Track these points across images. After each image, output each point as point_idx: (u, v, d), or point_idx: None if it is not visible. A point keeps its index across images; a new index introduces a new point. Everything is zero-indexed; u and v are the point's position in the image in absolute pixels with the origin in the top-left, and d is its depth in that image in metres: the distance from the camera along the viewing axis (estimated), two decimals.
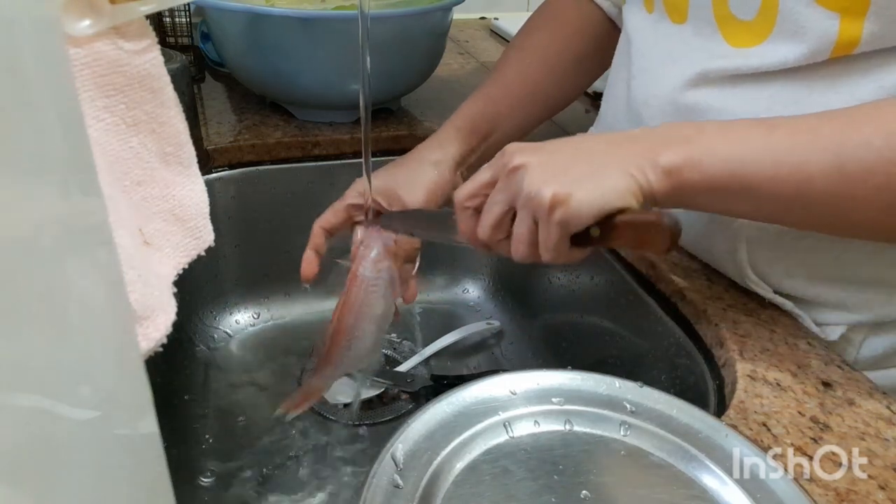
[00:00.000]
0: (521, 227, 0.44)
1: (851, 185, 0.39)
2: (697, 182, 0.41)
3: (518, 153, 0.44)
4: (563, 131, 0.84)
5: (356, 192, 0.57)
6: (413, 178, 0.58)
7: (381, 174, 0.58)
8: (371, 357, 0.52)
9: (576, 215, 0.41)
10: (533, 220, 0.43)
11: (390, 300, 0.52)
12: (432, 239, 0.55)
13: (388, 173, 0.58)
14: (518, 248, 0.45)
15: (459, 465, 0.33)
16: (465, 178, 0.63)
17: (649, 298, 0.58)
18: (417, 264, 0.56)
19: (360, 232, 0.54)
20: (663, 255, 0.57)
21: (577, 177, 0.42)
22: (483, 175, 0.46)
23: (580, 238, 0.43)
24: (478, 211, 0.47)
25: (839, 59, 0.43)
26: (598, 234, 0.42)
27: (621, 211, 0.41)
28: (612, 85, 0.63)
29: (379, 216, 0.54)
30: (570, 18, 0.68)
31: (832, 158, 0.39)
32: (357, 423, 0.66)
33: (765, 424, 0.41)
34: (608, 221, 0.42)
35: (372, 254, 0.51)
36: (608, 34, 0.66)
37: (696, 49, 0.50)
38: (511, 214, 0.45)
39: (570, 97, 0.72)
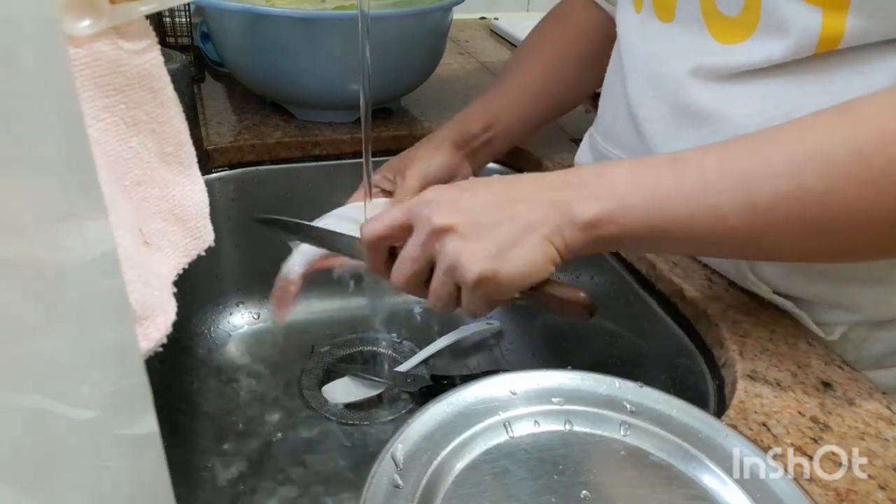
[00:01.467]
0: (443, 289, 0.44)
1: (765, 218, 0.39)
2: (614, 235, 0.42)
3: (439, 209, 0.43)
4: (563, 131, 0.84)
5: (381, 176, 0.61)
6: (416, 152, 0.62)
7: (394, 159, 0.63)
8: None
9: (502, 291, 0.42)
10: (455, 286, 0.43)
11: None
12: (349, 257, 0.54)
13: (403, 153, 0.63)
14: (437, 303, 0.45)
15: (459, 465, 0.33)
16: (472, 165, 0.66)
17: (649, 298, 0.58)
18: None
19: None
20: (579, 323, 0.57)
21: (501, 247, 0.41)
22: (396, 215, 0.45)
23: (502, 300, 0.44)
24: (390, 251, 0.47)
25: (827, 56, 0.43)
26: (522, 299, 0.44)
27: (546, 281, 0.43)
28: (609, 85, 0.64)
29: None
30: (577, 21, 0.70)
31: (742, 196, 0.39)
32: (357, 423, 0.66)
33: (765, 424, 0.41)
34: (532, 290, 0.43)
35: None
36: (614, 37, 0.67)
37: (684, 47, 0.51)
38: (429, 268, 0.44)
39: (577, 97, 0.73)
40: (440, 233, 0.42)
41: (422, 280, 0.45)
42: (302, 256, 0.56)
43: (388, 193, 0.61)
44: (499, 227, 0.42)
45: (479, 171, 0.68)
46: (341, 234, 0.52)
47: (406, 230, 0.44)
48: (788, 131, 0.40)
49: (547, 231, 0.42)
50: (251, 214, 0.76)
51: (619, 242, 0.43)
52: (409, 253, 0.44)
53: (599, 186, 0.42)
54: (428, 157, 0.62)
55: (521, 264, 0.41)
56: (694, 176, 0.40)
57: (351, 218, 0.57)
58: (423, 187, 0.55)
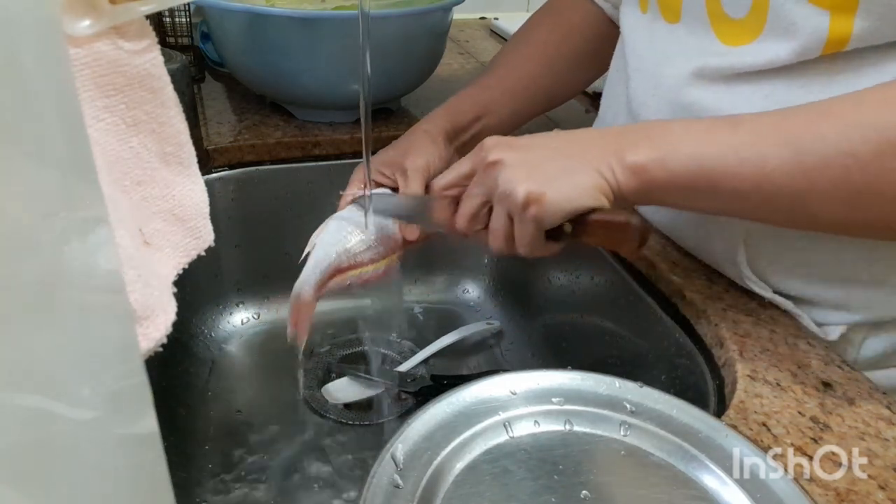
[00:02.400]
0: (497, 222, 0.46)
1: (810, 179, 0.40)
2: (663, 180, 0.43)
3: (495, 148, 0.46)
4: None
5: (358, 181, 0.59)
6: (411, 145, 0.61)
7: (384, 150, 0.61)
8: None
9: (549, 213, 0.43)
10: (508, 216, 0.45)
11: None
12: (411, 222, 0.58)
13: (390, 147, 0.62)
14: (494, 242, 0.47)
15: (459, 465, 0.33)
16: (461, 157, 0.64)
17: (649, 298, 0.58)
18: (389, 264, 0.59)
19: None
20: (634, 256, 0.59)
21: (550, 175, 0.43)
22: (462, 166, 0.49)
23: (554, 233, 0.45)
24: (455, 200, 0.49)
25: (833, 57, 0.43)
26: (571, 230, 0.44)
27: (594, 210, 0.43)
28: (611, 85, 0.64)
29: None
30: (570, 17, 0.69)
31: (791, 154, 0.40)
32: (357, 423, 0.66)
33: (765, 424, 0.41)
34: (581, 219, 0.44)
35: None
36: (608, 34, 0.67)
37: (690, 48, 0.50)
38: (488, 207, 0.47)
39: (568, 93, 0.73)
40: (494, 165, 0.45)
41: (483, 219, 0.48)
42: (313, 272, 0.56)
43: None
44: (550, 160, 0.44)
45: None
46: (413, 196, 0.55)
47: (471, 178, 0.48)
48: (844, 101, 0.40)
49: (597, 165, 0.43)
50: (251, 214, 0.77)
51: (667, 190, 0.43)
52: (470, 191, 0.47)
53: (653, 133, 0.44)
54: (426, 151, 0.61)
55: (569, 188, 0.43)
56: (746, 132, 0.41)
57: (353, 221, 0.57)
58: (426, 183, 0.56)
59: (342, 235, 0.55)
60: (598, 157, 0.43)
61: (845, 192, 0.39)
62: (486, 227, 0.47)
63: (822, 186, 0.39)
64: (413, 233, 0.58)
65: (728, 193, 0.42)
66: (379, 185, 0.60)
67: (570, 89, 0.72)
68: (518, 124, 0.70)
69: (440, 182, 0.49)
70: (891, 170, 0.38)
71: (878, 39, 0.42)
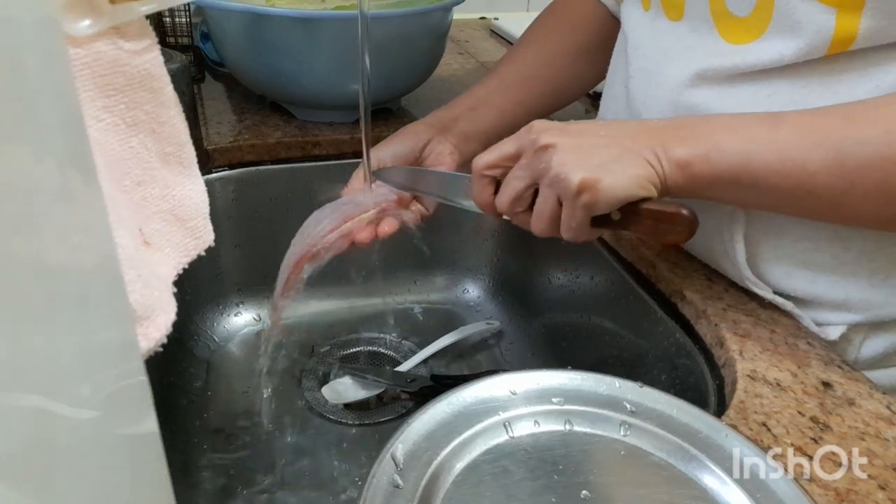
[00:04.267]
0: (545, 206, 0.46)
1: (850, 180, 0.40)
2: (707, 175, 0.43)
3: (546, 132, 0.46)
4: None
5: (358, 181, 0.60)
6: (397, 144, 0.61)
7: (378, 147, 0.61)
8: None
9: (602, 200, 0.43)
10: (557, 200, 0.45)
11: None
12: (434, 198, 0.58)
13: (383, 143, 0.61)
14: (539, 224, 0.47)
15: (459, 465, 0.33)
16: (454, 141, 0.64)
17: (649, 298, 0.58)
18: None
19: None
20: (681, 244, 0.59)
21: (603, 162, 0.44)
22: (506, 147, 0.48)
23: (601, 219, 0.45)
24: (495, 180, 0.49)
25: (837, 57, 0.43)
26: (619, 218, 0.45)
27: (644, 199, 0.44)
28: (611, 85, 0.63)
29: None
30: (572, 14, 0.69)
31: (833, 155, 0.40)
32: (357, 423, 0.66)
33: (765, 424, 0.41)
34: (631, 208, 0.44)
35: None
36: (613, 30, 0.67)
37: (692, 47, 0.50)
38: (532, 190, 0.47)
39: (576, 89, 0.73)
40: (545, 149, 0.45)
41: (526, 201, 0.48)
42: (280, 273, 0.58)
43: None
44: (603, 147, 0.45)
45: (476, 151, 0.63)
46: (448, 174, 0.56)
47: (515, 160, 0.47)
48: (887, 102, 0.41)
49: (647, 155, 0.44)
50: (251, 214, 0.77)
51: (710, 186, 0.44)
52: (516, 172, 0.47)
53: (699, 128, 0.44)
54: (384, 147, 0.61)
55: (623, 177, 0.43)
56: (789, 131, 0.42)
57: (326, 210, 0.57)
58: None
59: (305, 229, 0.57)
60: (647, 148, 0.44)
61: (886, 194, 0.40)
62: (528, 208, 0.48)
63: (863, 188, 0.40)
64: (429, 207, 0.60)
65: (769, 190, 0.43)
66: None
67: (577, 85, 0.72)
68: (530, 113, 0.68)
69: (481, 161, 0.49)
70: None
71: (883, 39, 0.41)
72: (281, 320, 0.59)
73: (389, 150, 0.60)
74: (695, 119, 0.46)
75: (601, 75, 0.72)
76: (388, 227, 0.57)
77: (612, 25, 0.67)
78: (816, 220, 0.47)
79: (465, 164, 0.63)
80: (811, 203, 0.43)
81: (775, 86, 0.46)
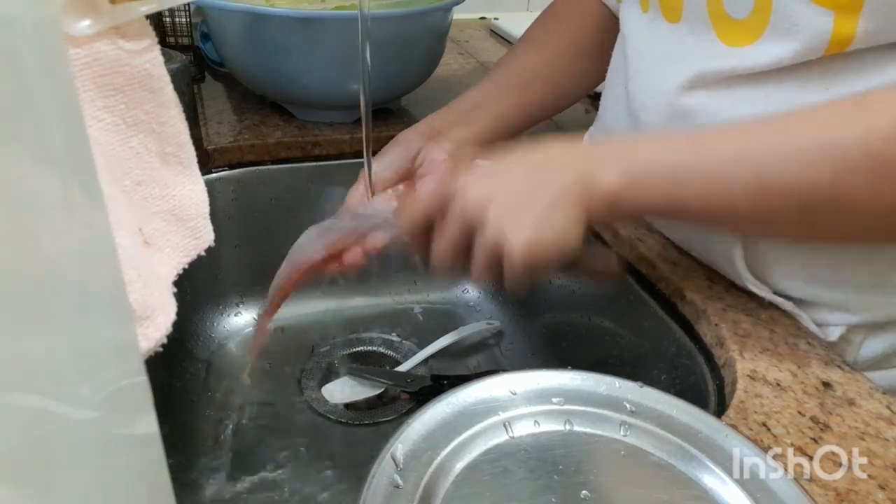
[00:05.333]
0: (483, 260, 0.45)
1: (773, 202, 0.41)
2: (633, 208, 0.44)
3: (474, 185, 0.44)
4: (563, 131, 0.84)
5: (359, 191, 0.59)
6: (388, 157, 0.60)
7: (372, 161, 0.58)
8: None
9: (542, 258, 0.43)
10: (497, 257, 0.44)
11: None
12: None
13: (376, 159, 0.60)
14: (479, 275, 0.46)
15: (459, 465, 0.33)
16: (451, 145, 0.61)
17: (649, 298, 0.58)
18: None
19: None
20: (613, 284, 0.59)
21: (540, 213, 0.43)
22: (429, 203, 0.46)
23: (539, 269, 0.45)
24: (427, 228, 0.47)
25: (833, 59, 0.43)
26: (557, 269, 0.46)
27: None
28: (610, 86, 0.63)
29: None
30: (572, 13, 0.69)
31: (754, 181, 0.41)
32: (357, 423, 0.66)
33: (765, 424, 0.41)
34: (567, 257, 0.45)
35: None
36: (615, 30, 0.66)
37: (690, 49, 0.50)
38: (469, 242, 0.45)
39: (577, 89, 0.71)
40: (480, 207, 0.44)
41: (462, 255, 0.46)
42: (268, 297, 0.56)
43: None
44: (535, 193, 0.43)
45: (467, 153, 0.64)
46: (384, 220, 0.54)
47: (442, 210, 0.46)
48: (805, 120, 0.41)
49: (576, 199, 0.43)
50: (251, 214, 0.77)
51: (638, 215, 0.46)
52: (451, 229, 0.45)
53: (623, 160, 0.43)
54: (384, 156, 0.60)
55: (558, 232, 0.43)
56: (711, 159, 0.42)
57: (309, 235, 0.55)
58: (374, 190, 0.56)
59: (296, 251, 0.55)
60: (575, 190, 0.43)
61: (809, 215, 0.41)
62: (466, 259, 0.46)
63: (787, 208, 0.41)
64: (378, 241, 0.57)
65: (698, 215, 0.45)
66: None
67: (578, 85, 0.71)
68: (529, 116, 0.68)
69: (408, 221, 0.47)
70: (853, 193, 0.39)
71: (880, 40, 0.41)
72: (262, 344, 0.57)
73: (382, 165, 0.59)
74: (618, 147, 0.45)
75: (601, 76, 0.71)
76: (379, 241, 0.55)
77: (613, 25, 0.66)
78: (747, 234, 0.48)
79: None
80: (738, 224, 0.45)
81: (771, 87, 0.46)
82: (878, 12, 0.40)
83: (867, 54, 0.42)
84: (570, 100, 0.72)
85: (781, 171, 0.40)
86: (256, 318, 0.78)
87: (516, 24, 1.24)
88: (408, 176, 0.60)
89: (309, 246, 0.54)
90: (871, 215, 0.40)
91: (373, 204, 0.56)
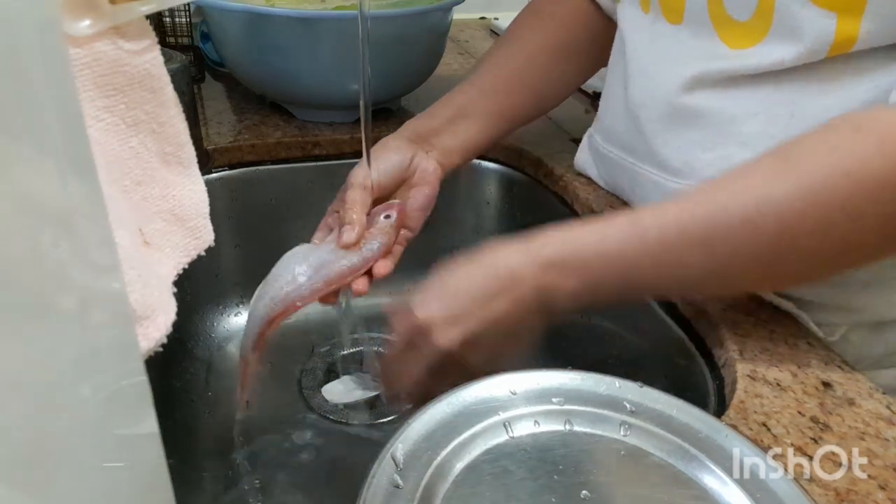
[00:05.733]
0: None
1: (723, 264, 0.43)
2: (594, 302, 0.46)
3: (434, 327, 0.44)
4: (563, 131, 0.84)
5: (341, 196, 0.57)
6: (360, 165, 0.57)
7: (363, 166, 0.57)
8: None
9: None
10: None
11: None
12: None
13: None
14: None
15: (459, 465, 0.33)
16: (441, 159, 0.61)
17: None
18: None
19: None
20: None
21: (504, 351, 0.46)
22: (403, 342, 0.47)
23: None
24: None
25: (833, 61, 0.43)
26: None
27: None
28: (610, 85, 0.63)
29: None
30: (554, 11, 0.67)
31: (702, 250, 0.42)
32: (357, 423, 0.66)
33: (765, 424, 0.41)
34: None
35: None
36: (602, 28, 0.65)
37: (692, 50, 0.50)
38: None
39: (561, 89, 0.69)
40: (443, 352, 0.44)
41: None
42: (248, 329, 0.54)
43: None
44: (498, 326, 0.44)
45: (456, 164, 0.63)
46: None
47: (413, 346, 0.46)
48: (736, 182, 0.42)
49: (535, 310, 0.45)
50: (251, 214, 0.77)
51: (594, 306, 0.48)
52: (417, 368, 0.46)
53: (575, 267, 0.44)
54: (372, 162, 0.57)
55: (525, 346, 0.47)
56: (656, 241, 0.43)
57: (291, 261, 0.53)
58: (371, 196, 0.55)
59: (273, 282, 0.53)
60: (535, 304, 0.44)
61: (758, 267, 0.43)
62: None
63: (737, 266, 0.43)
64: (415, 227, 0.59)
65: (651, 292, 0.51)
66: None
67: (561, 85, 0.69)
68: (511, 122, 0.66)
69: (391, 368, 0.49)
70: (794, 240, 0.40)
71: (882, 41, 0.41)
72: (251, 376, 0.55)
73: (376, 170, 0.57)
74: (570, 252, 0.44)
75: (584, 76, 0.70)
76: (383, 269, 0.55)
77: (599, 24, 0.65)
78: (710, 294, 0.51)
79: (446, 178, 0.62)
80: (693, 289, 0.49)
81: (771, 88, 0.46)
82: (881, 13, 0.40)
83: (869, 56, 0.42)
84: (550, 103, 0.70)
85: (728, 234, 0.41)
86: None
87: None
88: (401, 183, 0.59)
89: (291, 277, 0.52)
90: (820, 254, 0.41)
91: (366, 235, 0.54)
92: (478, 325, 0.44)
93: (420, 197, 0.59)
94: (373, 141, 0.57)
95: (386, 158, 0.58)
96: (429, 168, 0.60)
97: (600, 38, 0.65)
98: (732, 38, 0.47)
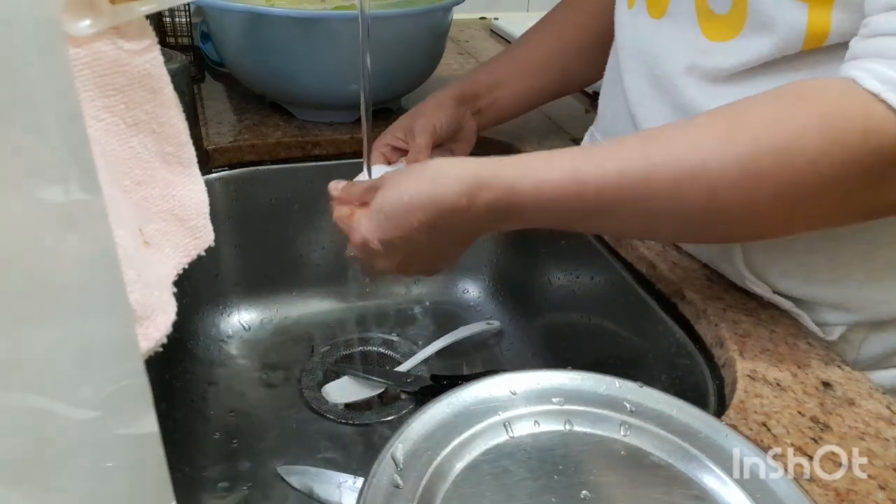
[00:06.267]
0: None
1: (656, 220, 0.44)
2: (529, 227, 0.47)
3: (370, 255, 0.48)
4: (563, 131, 0.84)
5: (391, 136, 0.64)
6: (419, 110, 0.65)
7: (403, 117, 0.65)
8: None
9: None
10: None
11: None
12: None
13: (403, 115, 0.66)
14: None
15: (459, 465, 0.33)
16: (476, 121, 0.69)
17: (649, 298, 0.58)
18: None
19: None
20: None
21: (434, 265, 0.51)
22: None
23: None
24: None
25: (814, 53, 0.43)
26: None
27: None
28: (608, 84, 0.64)
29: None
30: (587, 7, 0.71)
31: (634, 206, 0.43)
32: (357, 423, 0.66)
33: (765, 424, 0.41)
34: None
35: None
36: None
37: (674, 43, 0.51)
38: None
39: (581, 80, 0.75)
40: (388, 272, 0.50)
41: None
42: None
43: (402, 151, 0.64)
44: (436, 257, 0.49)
45: (484, 127, 0.71)
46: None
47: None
48: (678, 139, 0.42)
49: (465, 247, 0.49)
50: (251, 214, 0.77)
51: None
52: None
53: (510, 213, 0.45)
54: (433, 113, 0.64)
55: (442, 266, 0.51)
56: (594, 196, 0.43)
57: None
58: (433, 143, 0.63)
59: None
60: (456, 234, 0.47)
61: (687, 228, 0.45)
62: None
63: (668, 222, 0.44)
64: None
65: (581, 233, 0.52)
66: (393, 152, 0.64)
67: (584, 75, 0.74)
68: (532, 99, 0.72)
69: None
70: (725, 208, 0.41)
71: (856, 33, 0.41)
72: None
73: (429, 121, 0.63)
74: (504, 200, 0.45)
75: (601, 72, 0.72)
76: None
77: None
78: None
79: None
80: (624, 235, 0.53)
81: (762, 83, 0.46)
82: (851, 4, 0.40)
83: (844, 50, 0.42)
84: (573, 88, 0.77)
85: (661, 193, 0.41)
86: (256, 316, 0.78)
87: (516, 24, 1.24)
88: (452, 136, 0.66)
89: None
90: (747, 220, 0.42)
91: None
92: (405, 249, 0.47)
93: (465, 151, 0.68)
94: (372, 141, 0.57)
95: (446, 112, 0.65)
96: (473, 127, 0.68)
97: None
98: (712, 31, 0.48)
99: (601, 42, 0.68)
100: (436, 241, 0.47)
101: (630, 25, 0.56)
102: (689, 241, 0.52)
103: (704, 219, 0.42)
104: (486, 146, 0.75)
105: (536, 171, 0.44)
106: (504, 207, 0.44)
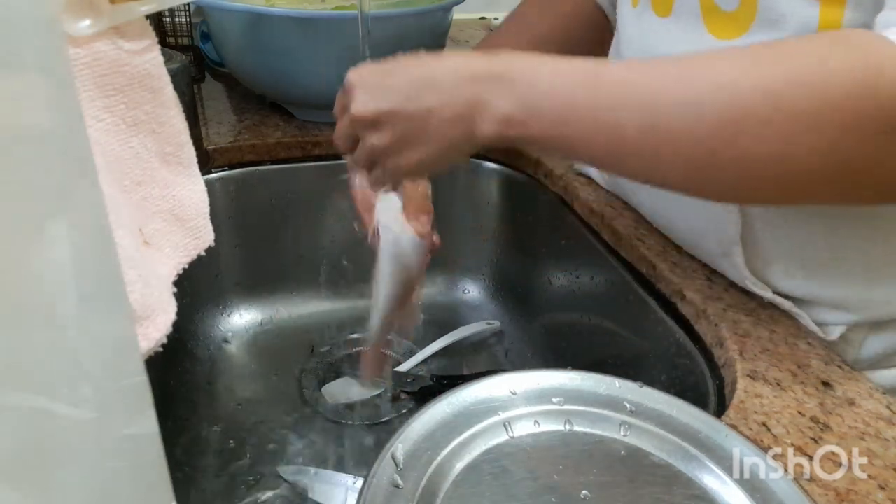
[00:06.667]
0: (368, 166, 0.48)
1: (662, 140, 0.39)
2: (521, 136, 0.43)
3: (365, 102, 0.44)
4: None
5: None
6: None
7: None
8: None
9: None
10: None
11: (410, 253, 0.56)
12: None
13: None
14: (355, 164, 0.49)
15: (459, 465, 0.33)
16: None
17: (649, 298, 0.58)
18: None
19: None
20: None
21: (427, 159, 0.45)
22: (343, 126, 0.48)
23: None
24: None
25: None
26: None
27: None
28: None
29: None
30: (559, 5, 0.69)
31: (646, 118, 0.39)
32: (357, 423, 0.66)
33: (765, 424, 0.41)
34: None
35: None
36: (603, 25, 0.67)
37: (680, 42, 0.51)
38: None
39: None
40: (362, 125, 0.45)
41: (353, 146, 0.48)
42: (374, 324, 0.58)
43: None
44: (423, 130, 0.44)
45: None
46: None
47: (343, 108, 0.47)
48: (704, 62, 0.39)
49: (465, 127, 0.43)
50: (251, 214, 0.77)
51: (526, 144, 0.46)
52: (338, 134, 0.48)
53: (519, 85, 0.42)
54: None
55: (447, 162, 0.46)
56: (607, 94, 0.40)
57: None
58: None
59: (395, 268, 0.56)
60: (463, 117, 0.43)
61: (695, 160, 0.39)
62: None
63: (674, 147, 0.39)
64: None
65: (584, 152, 0.45)
66: None
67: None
68: None
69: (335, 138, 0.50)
70: (740, 139, 0.37)
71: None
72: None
73: None
74: (516, 68, 0.43)
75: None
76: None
77: (601, 20, 0.67)
78: (632, 179, 0.49)
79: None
80: (624, 165, 0.44)
81: None
82: (865, 1, 0.40)
83: None
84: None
85: (674, 110, 0.38)
86: (256, 316, 0.78)
87: None
88: None
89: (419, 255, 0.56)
90: (760, 164, 0.38)
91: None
92: (397, 106, 0.44)
93: None
94: None
95: None
96: None
97: (603, 36, 0.66)
98: (719, 28, 0.48)
99: (578, 43, 0.69)
100: (417, 74, 0.44)
101: (635, 24, 0.56)
102: (694, 187, 0.45)
103: (709, 152, 0.38)
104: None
105: (553, 62, 0.42)
106: (511, 72, 0.42)
